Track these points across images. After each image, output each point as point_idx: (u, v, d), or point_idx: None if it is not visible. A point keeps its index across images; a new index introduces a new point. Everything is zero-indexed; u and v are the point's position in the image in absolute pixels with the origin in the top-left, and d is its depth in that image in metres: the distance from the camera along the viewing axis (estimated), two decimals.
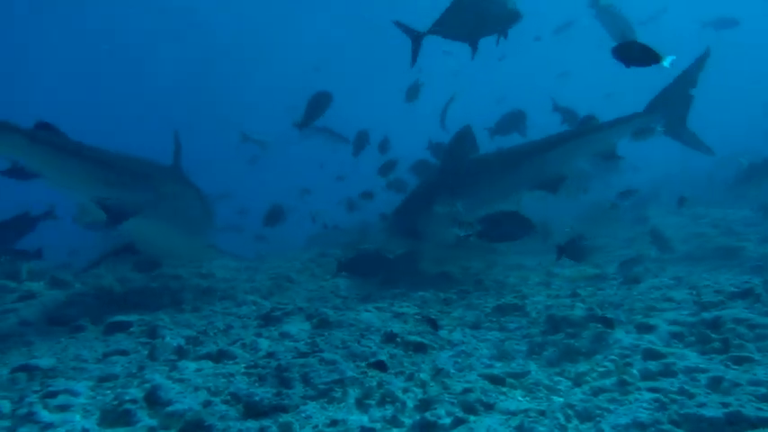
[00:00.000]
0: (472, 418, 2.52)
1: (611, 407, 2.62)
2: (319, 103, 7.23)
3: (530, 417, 2.45)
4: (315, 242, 11.87)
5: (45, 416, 2.81)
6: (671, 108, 7.00)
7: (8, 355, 3.94)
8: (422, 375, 3.21)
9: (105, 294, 6.08)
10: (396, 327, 4.20)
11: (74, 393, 3.07)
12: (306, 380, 3.27)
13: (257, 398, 2.97)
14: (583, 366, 3.25)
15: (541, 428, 2.34)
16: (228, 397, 3.08)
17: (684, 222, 8.99)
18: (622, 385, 2.85)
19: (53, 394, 3.02)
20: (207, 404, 2.97)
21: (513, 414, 2.53)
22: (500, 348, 3.68)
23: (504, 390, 2.89)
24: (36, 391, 3.10)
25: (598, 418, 2.53)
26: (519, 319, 4.36)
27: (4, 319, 4.77)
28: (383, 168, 9.37)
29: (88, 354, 3.95)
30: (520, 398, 2.80)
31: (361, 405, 2.92)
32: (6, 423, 2.77)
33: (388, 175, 9.44)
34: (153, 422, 2.79)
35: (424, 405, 2.75)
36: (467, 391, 2.81)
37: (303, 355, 3.67)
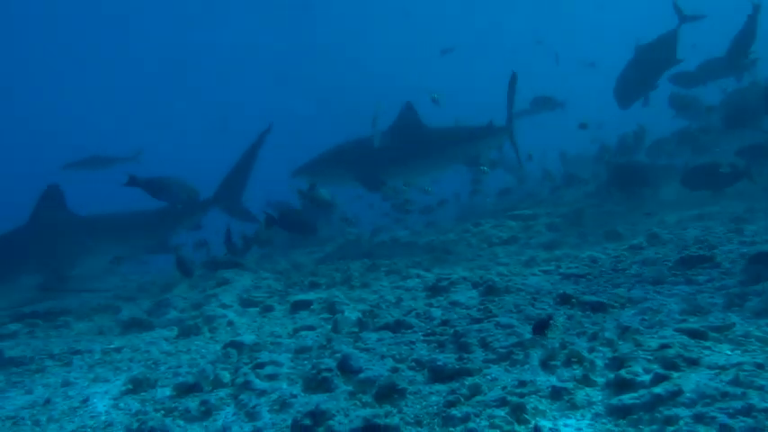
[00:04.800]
0: (675, 374, 2.35)
1: None
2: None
3: (745, 370, 2.23)
4: (467, 214, 11.89)
5: (258, 384, 3.16)
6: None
7: (217, 333, 4.49)
8: (606, 334, 3.06)
9: (284, 277, 6.66)
10: (568, 288, 4.06)
11: (278, 364, 3.41)
12: (484, 344, 3.30)
13: (440, 363, 3.05)
14: None
15: (762, 382, 2.12)
16: (413, 363, 3.21)
17: None
18: None
19: (261, 365, 3.39)
20: (394, 370, 3.12)
21: (724, 368, 2.32)
22: (692, 303, 3.39)
23: (708, 344, 2.66)
24: (247, 363, 3.50)
25: None
26: (709, 271, 3.97)
27: (208, 303, 5.44)
28: None
29: (281, 330, 4.36)
30: (728, 351, 2.55)
31: (547, 366, 2.87)
32: (229, 390, 3.17)
33: None
34: (349, 388, 3.00)
35: (616, 363, 2.63)
36: (664, 347, 2.63)
37: (477, 320, 3.71)
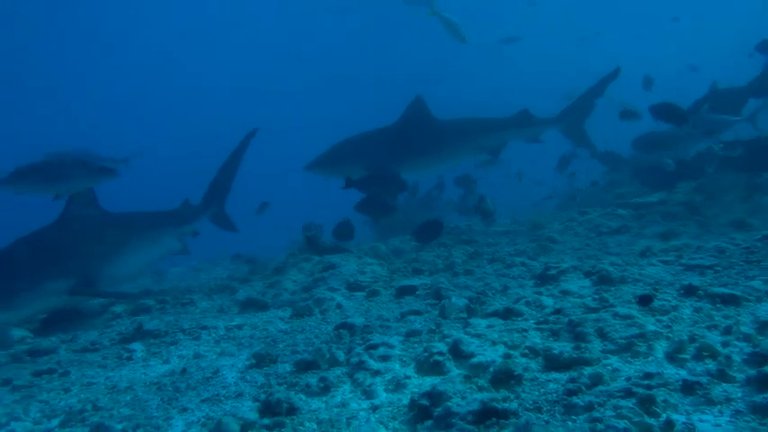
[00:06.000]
0: None
1: None
2: None
3: None
4: (572, 203, 11.49)
5: (372, 364, 3.26)
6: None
7: (327, 315, 4.67)
8: (743, 329, 2.85)
9: (387, 263, 6.78)
10: (694, 280, 3.81)
11: (390, 346, 3.50)
12: (602, 334, 3.19)
13: (556, 351, 2.99)
14: None
15: None
16: (526, 350, 3.17)
17: None
18: None
19: (374, 347, 3.49)
20: (507, 357, 3.10)
21: None
22: None
23: None
24: (359, 344, 3.62)
25: None
26: None
27: (317, 286, 5.67)
28: None
29: (388, 314, 4.46)
30: None
31: (674, 359, 2.73)
32: (345, 369, 3.29)
33: None
34: (462, 371, 3.02)
35: (758, 359, 2.44)
36: None
37: (593, 310, 3.59)
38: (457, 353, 3.25)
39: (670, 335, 3.01)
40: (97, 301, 6.29)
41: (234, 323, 4.63)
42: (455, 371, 3.07)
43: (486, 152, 9.39)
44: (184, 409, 2.96)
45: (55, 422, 2.99)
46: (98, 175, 6.62)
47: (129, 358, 4.00)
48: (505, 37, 23.49)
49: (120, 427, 2.79)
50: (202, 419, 2.81)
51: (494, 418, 2.36)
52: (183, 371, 3.56)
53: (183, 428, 2.74)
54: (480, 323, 3.78)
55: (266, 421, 2.70)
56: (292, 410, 2.78)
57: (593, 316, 3.42)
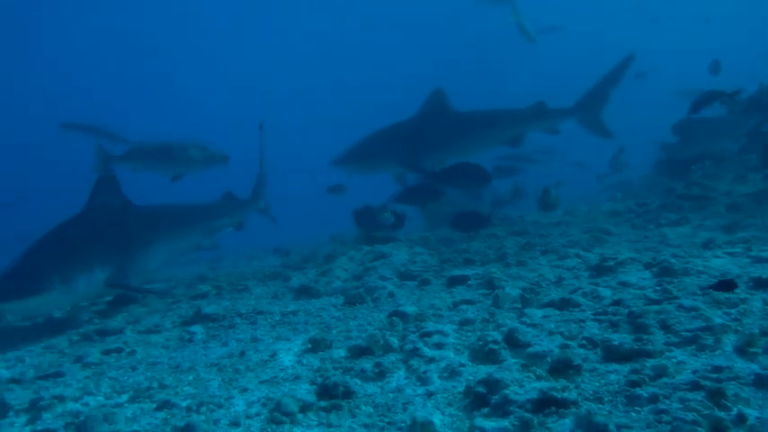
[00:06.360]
0: None
1: None
2: None
3: None
4: (630, 193, 11.20)
5: (427, 351, 3.27)
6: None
7: (379, 303, 4.70)
8: None
9: (437, 253, 6.76)
10: (765, 272, 3.63)
11: (444, 334, 3.50)
12: (665, 326, 3.10)
13: (616, 342, 2.92)
14: None
15: None
16: (584, 341, 3.11)
17: None
18: None
19: (428, 334, 3.50)
20: (564, 347, 3.05)
21: None
22: None
23: None
24: (413, 332, 3.63)
25: None
26: None
27: (368, 274, 5.72)
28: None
29: (440, 303, 4.45)
30: None
31: (744, 353, 2.62)
32: (399, 356, 3.31)
33: None
34: (519, 360, 2.99)
35: None
36: None
37: (655, 302, 3.48)
38: (512, 342, 3.22)
39: (739, 328, 2.89)
40: (158, 286, 6.54)
41: (289, 309, 4.73)
42: (511, 360, 3.04)
43: (505, 143, 9.46)
44: (244, 390, 3.05)
45: (124, 397, 3.14)
46: (214, 160, 7.04)
47: (190, 340, 4.15)
48: (546, 26, 22.77)
49: (184, 404, 2.90)
50: (262, 399, 2.90)
51: (553, 407, 2.33)
52: (242, 353, 3.67)
53: (244, 407, 2.83)
54: (536, 313, 3.74)
55: (323, 404, 2.75)
56: (348, 394, 2.82)
57: (655, 308, 3.32)
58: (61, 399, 3.17)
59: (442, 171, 8.03)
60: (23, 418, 3.02)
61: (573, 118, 9.22)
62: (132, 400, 3.09)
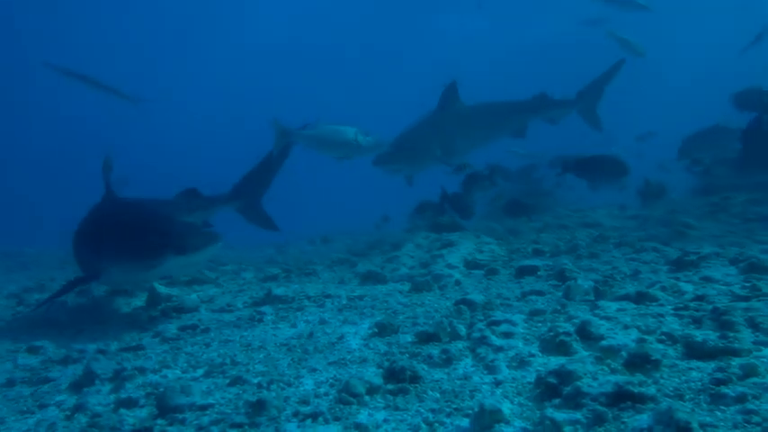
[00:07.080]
0: None
1: None
2: None
3: None
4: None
5: (495, 340, 3.22)
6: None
7: (446, 291, 4.67)
8: None
9: (505, 243, 6.63)
10: None
11: (513, 323, 3.43)
12: (754, 324, 2.91)
13: (698, 339, 2.76)
14: None
15: None
16: (663, 336, 2.96)
17: None
18: None
19: (496, 323, 3.43)
20: (640, 341, 2.91)
21: None
22: None
23: None
24: (481, 320, 3.58)
25: None
26: None
27: (435, 262, 5.69)
28: None
29: (508, 293, 4.37)
30: None
31: None
32: (466, 343, 3.28)
33: None
34: (592, 353, 2.89)
35: None
36: None
37: (743, 298, 3.28)
38: (585, 334, 3.11)
39: None
40: (230, 267, 6.77)
41: (355, 294, 4.78)
42: (583, 352, 2.94)
43: (512, 135, 10.06)
44: (313, 370, 3.12)
45: (200, 372, 3.28)
46: (379, 147, 7.72)
47: (261, 320, 4.27)
48: (588, 18, 21.41)
49: (255, 381, 3.00)
50: (330, 380, 2.94)
51: (629, 402, 2.24)
52: (311, 335, 3.74)
53: (312, 387, 2.89)
54: (610, 306, 3.59)
55: (390, 387, 2.77)
56: (415, 378, 2.82)
57: (743, 305, 3.12)
58: (142, 370, 3.34)
59: (577, 163, 7.58)
60: (108, 387, 3.21)
61: (574, 108, 10.08)
62: (207, 374, 3.22)
